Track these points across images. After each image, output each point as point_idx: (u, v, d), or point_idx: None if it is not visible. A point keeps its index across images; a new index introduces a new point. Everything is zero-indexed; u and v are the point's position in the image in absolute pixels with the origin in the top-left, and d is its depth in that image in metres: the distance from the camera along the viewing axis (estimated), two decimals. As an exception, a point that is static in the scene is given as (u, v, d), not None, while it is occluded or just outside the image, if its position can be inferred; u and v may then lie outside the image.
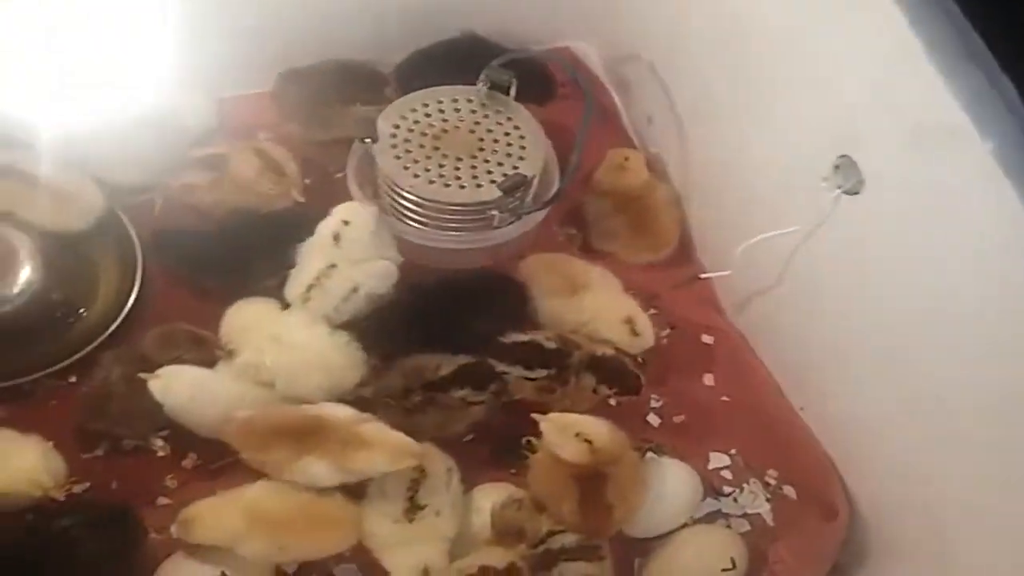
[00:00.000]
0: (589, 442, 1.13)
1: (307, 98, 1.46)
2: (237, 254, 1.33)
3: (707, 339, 1.41)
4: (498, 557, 1.09)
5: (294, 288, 1.27)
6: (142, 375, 1.17)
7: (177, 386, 1.18)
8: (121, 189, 1.41)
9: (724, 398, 1.35)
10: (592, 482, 1.13)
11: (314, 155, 1.47)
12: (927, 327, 1.07)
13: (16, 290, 1.31)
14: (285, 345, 1.23)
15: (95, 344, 1.29)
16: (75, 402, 1.26)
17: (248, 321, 1.27)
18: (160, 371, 1.18)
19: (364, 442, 1.11)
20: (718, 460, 1.30)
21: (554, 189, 1.36)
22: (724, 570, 1.19)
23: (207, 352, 1.25)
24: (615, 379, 1.25)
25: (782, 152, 1.24)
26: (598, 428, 1.15)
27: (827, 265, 1.21)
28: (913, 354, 1.11)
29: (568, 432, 1.14)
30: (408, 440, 1.12)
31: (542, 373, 1.24)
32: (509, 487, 1.21)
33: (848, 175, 1.11)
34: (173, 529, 1.10)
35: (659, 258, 1.47)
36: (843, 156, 1.10)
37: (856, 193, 1.10)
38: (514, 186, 1.29)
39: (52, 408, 1.28)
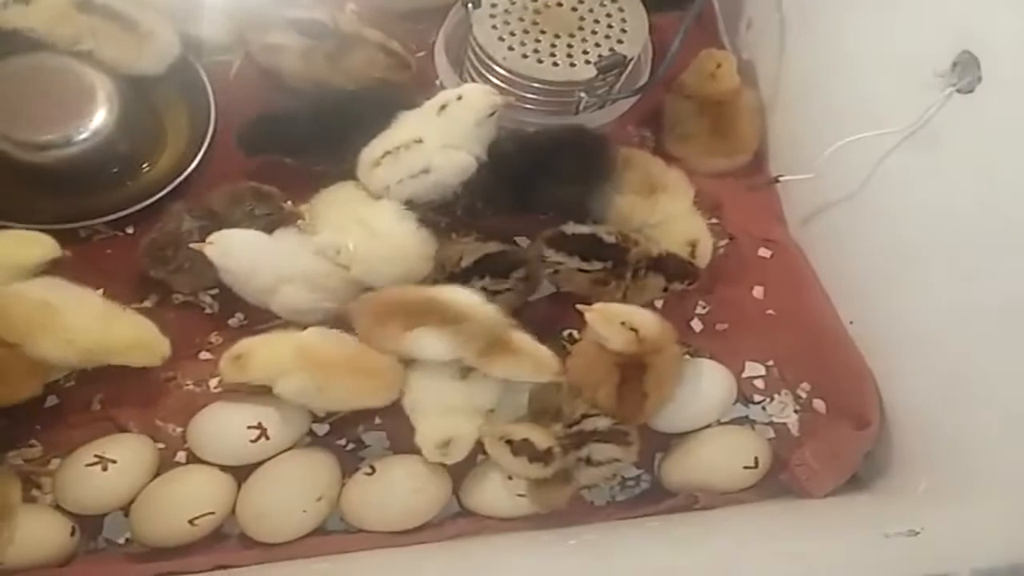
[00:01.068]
0: (635, 331, 1.16)
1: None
2: (323, 131, 1.31)
3: (764, 252, 1.42)
4: (541, 438, 1.14)
5: (372, 151, 1.29)
6: (194, 246, 1.19)
7: (232, 251, 1.21)
8: (202, 44, 1.42)
9: (769, 311, 1.37)
10: (632, 371, 1.17)
11: (396, 30, 1.44)
12: (1017, 247, 1.05)
13: (86, 133, 1.31)
14: (370, 232, 1.24)
15: (156, 197, 1.32)
16: (131, 251, 1.28)
17: (337, 201, 1.28)
18: (215, 236, 1.21)
19: (511, 349, 1.15)
20: (753, 369, 1.33)
21: (642, 81, 1.35)
22: (746, 467, 1.23)
23: (274, 207, 1.27)
24: (689, 275, 1.27)
25: (896, 47, 1.20)
26: (645, 318, 1.18)
27: (919, 172, 1.18)
28: (991, 272, 1.08)
29: (614, 321, 1.16)
30: (552, 356, 1.16)
31: (598, 266, 1.25)
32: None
33: (965, 72, 1.06)
34: (221, 365, 1.16)
35: (732, 166, 1.47)
36: (964, 52, 1.06)
37: (971, 91, 1.06)
38: (611, 66, 1.30)
39: (107, 256, 1.33)
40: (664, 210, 1.31)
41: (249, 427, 1.17)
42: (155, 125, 1.41)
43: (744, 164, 1.47)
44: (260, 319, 1.27)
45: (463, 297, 1.17)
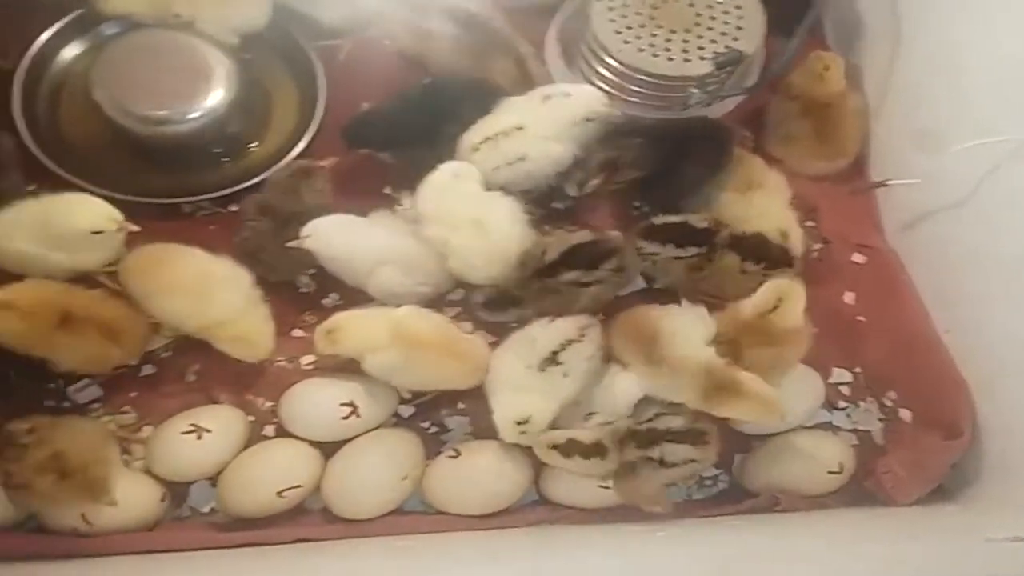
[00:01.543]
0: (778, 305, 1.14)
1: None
2: (425, 128, 1.32)
3: (858, 258, 1.39)
4: (584, 434, 1.14)
5: (472, 136, 1.30)
6: (291, 244, 1.21)
7: (330, 238, 1.23)
8: (314, 27, 1.44)
9: (860, 317, 1.35)
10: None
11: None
12: None
13: (201, 112, 1.34)
14: (481, 232, 1.23)
15: (260, 178, 1.33)
16: (232, 228, 1.30)
17: (450, 192, 1.26)
18: (309, 228, 1.22)
19: (739, 391, 1.12)
20: (839, 376, 1.31)
21: (751, 80, 1.36)
22: (831, 472, 1.21)
23: (323, 183, 1.27)
24: (761, 254, 1.24)
25: (1011, 55, 1.17)
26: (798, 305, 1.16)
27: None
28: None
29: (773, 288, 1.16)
30: (776, 397, 1.13)
31: (692, 251, 1.24)
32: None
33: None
34: (315, 337, 1.17)
35: (832, 169, 1.45)
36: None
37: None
38: (729, 62, 1.31)
39: (209, 232, 1.34)
40: (758, 206, 1.30)
41: (342, 404, 1.18)
42: (265, 106, 1.43)
43: (844, 168, 1.44)
44: (355, 299, 1.27)
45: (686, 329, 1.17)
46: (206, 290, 1.17)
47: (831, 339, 1.31)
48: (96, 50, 1.42)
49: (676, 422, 1.14)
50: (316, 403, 1.20)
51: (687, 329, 1.17)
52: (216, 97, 1.34)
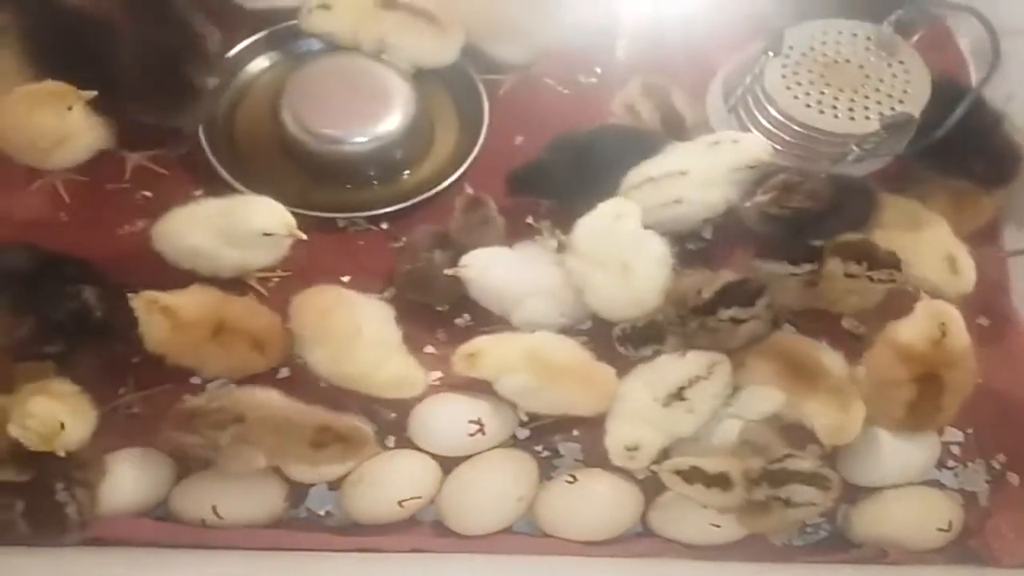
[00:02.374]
0: (943, 333, 1.16)
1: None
2: (584, 178, 1.34)
3: (983, 321, 1.37)
4: (713, 464, 1.13)
5: (635, 176, 1.31)
6: (448, 272, 1.24)
7: (486, 270, 1.25)
8: (483, 61, 1.50)
9: (977, 379, 1.29)
10: (928, 385, 1.17)
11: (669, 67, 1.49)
12: None
13: (376, 135, 1.40)
14: (627, 274, 1.24)
15: (413, 201, 1.38)
16: (382, 245, 1.37)
17: (602, 233, 1.26)
18: (468, 259, 1.25)
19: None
20: (952, 435, 1.30)
21: (904, 144, 1.35)
22: (940, 529, 1.19)
23: (488, 212, 1.30)
24: (863, 255, 1.21)
25: None
26: (959, 326, 1.18)
27: None
28: None
29: (935, 316, 1.17)
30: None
31: (807, 268, 1.24)
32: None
33: None
34: (454, 359, 1.19)
35: (972, 228, 1.40)
36: None
37: None
38: (897, 123, 1.31)
39: (359, 247, 1.40)
40: (913, 242, 1.27)
41: (470, 421, 1.20)
42: (429, 133, 1.48)
43: (976, 231, 1.40)
44: (485, 320, 1.30)
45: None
46: (358, 346, 1.18)
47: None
48: (280, 66, 1.51)
49: (805, 464, 1.12)
50: (446, 418, 1.22)
51: (833, 359, 1.20)
52: (391, 124, 1.40)
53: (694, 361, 1.20)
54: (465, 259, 1.25)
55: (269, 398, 1.17)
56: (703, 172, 1.30)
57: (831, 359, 1.21)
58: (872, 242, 1.24)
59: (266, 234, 1.23)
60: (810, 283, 1.25)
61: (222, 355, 1.19)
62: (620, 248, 1.24)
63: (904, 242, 1.27)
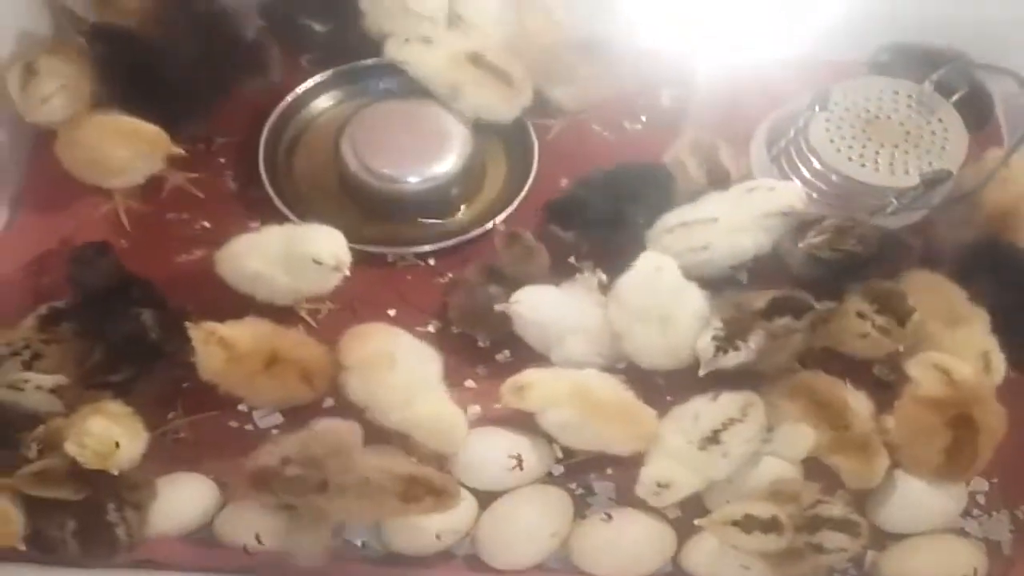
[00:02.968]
0: (947, 373, 1.19)
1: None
2: (622, 214, 1.37)
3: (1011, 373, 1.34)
4: (763, 509, 1.13)
5: (668, 220, 1.35)
6: (499, 307, 1.27)
7: (536, 307, 1.27)
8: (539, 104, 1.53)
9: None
10: (962, 430, 1.18)
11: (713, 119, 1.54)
12: None
13: (431, 176, 1.45)
14: (665, 326, 1.26)
15: (460, 239, 1.42)
16: (428, 280, 1.41)
17: (645, 286, 1.28)
18: (519, 296, 1.27)
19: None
20: (977, 484, 1.30)
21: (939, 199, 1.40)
22: None
23: (532, 250, 1.33)
24: (883, 301, 1.23)
25: None
26: (959, 363, 1.20)
27: None
28: None
29: (928, 364, 1.20)
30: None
31: (828, 305, 1.26)
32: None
33: None
34: (504, 391, 1.21)
35: None
36: None
37: None
38: (936, 179, 1.34)
39: (406, 281, 1.43)
40: (953, 340, 1.26)
41: (510, 456, 1.22)
42: (480, 175, 1.52)
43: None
44: (526, 357, 1.30)
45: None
46: (409, 394, 1.20)
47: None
48: (342, 104, 1.56)
49: (836, 510, 1.13)
50: (487, 452, 1.23)
51: (860, 402, 1.22)
52: (446, 165, 1.44)
53: (728, 403, 1.21)
54: (516, 295, 1.27)
55: (348, 458, 1.14)
56: (733, 218, 1.33)
57: (858, 402, 1.22)
58: (901, 292, 1.25)
59: (316, 262, 1.25)
60: (824, 320, 1.26)
61: (273, 386, 1.22)
62: (660, 301, 1.26)
63: (944, 339, 1.27)
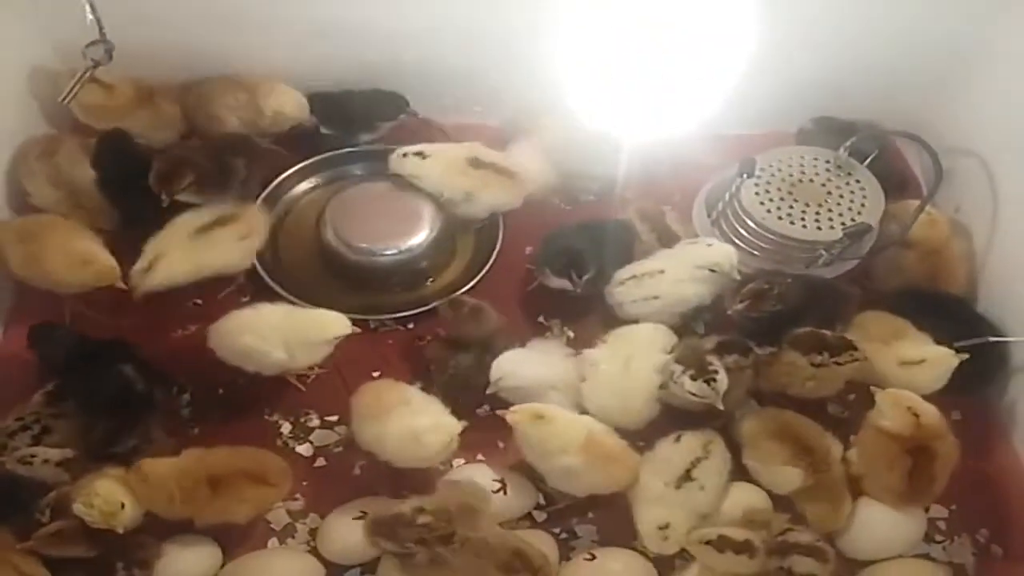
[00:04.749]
0: (916, 416, 1.22)
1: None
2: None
3: (956, 415, 1.39)
4: (737, 533, 1.17)
5: (623, 273, 1.43)
6: (491, 390, 1.31)
7: (515, 373, 1.31)
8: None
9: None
10: (921, 457, 1.23)
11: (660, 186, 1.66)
12: None
13: (404, 248, 1.51)
14: (626, 370, 1.32)
15: (435, 304, 1.44)
16: (408, 342, 1.46)
17: (630, 338, 1.36)
18: (496, 369, 1.30)
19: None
20: (937, 511, 1.33)
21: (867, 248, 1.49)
22: None
23: (491, 320, 1.38)
24: (822, 346, 1.29)
25: None
26: (927, 406, 1.24)
27: None
28: None
29: (901, 404, 1.23)
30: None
31: (768, 350, 1.32)
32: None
33: None
34: (520, 416, 1.21)
35: None
36: None
37: None
38: (858, 232, 1.44)
39: (388, 345, 1.47)
40: (891, 364, 1.33)
41: (494, 479, 1.25)
42: (451, 245, 1.57)
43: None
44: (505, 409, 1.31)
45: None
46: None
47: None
48: (322, 188, 1.62)
49: (804, 537, 1.17)
50: (473, 477, 1.26)
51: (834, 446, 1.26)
52: (419, 239, 1.50)
53: (690, 443, 1.25)
54: (495, 370, 1.29)
55: (476, 516, 1.16)
56: (679, 270, 1.40)
57: (834, 446, 1.27)
58: (819, 332, 1.30)
59: (325, 343, 1.31)
60: (767, 363, 1.31)
61: (229, 504, 1.20)
62: (626, 356, 1.33)
63: (886, 356, 1.33)
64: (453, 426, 1.23)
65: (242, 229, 1.40)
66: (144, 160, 1.44)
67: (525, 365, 1.32)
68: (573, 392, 1.32)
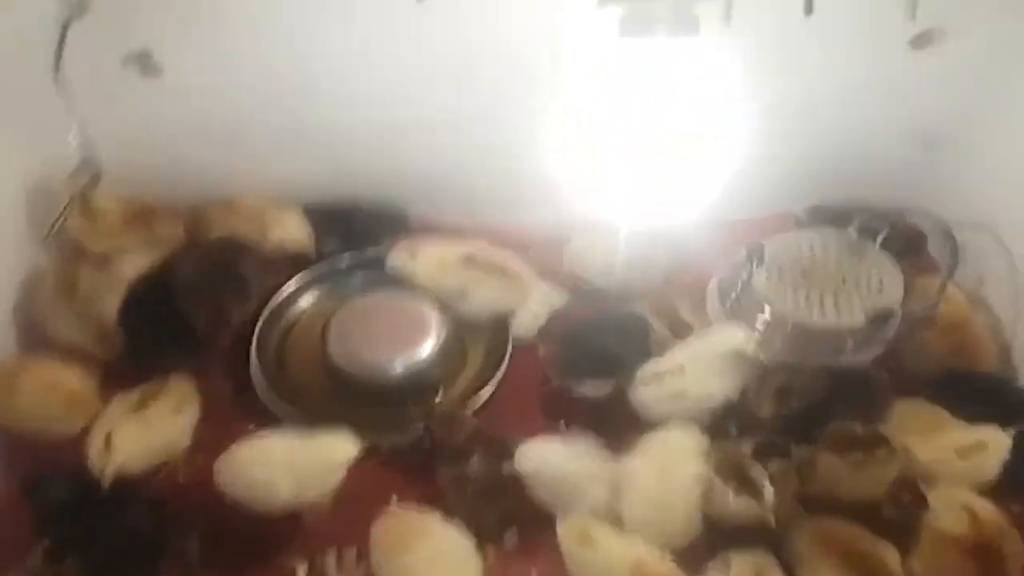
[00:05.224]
0: (973, 513, 1.16)
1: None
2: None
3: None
4: None
5: (646, 371, 1.37)
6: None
7: (541, 463, 1.26)
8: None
9: None
10: (988, 558, 1.16)
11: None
12: None
13: (411, 362, 1.46)
14: (663, 482, 1.24)
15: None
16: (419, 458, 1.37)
17: (663, 448, 1.29)
18: (523, 453, 1.26)
19: None
20: None
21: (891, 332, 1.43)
22: None
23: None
24: (855, 443, 1.23)
25: None
26: (984, 503, 1.19)
27: None
28: None
29: (953, 503, 1.18)
30: None
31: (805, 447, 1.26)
32: None
33: None
34: (571, 539, 1.18)
35: None
36: None
37: None
38: (880, 316, 1.38)
39: (401, 464, 1.39)
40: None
41: None
42: (461, 355, 1.51)
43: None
44: (535, 534, 1.26)
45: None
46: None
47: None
48: (326, 299, 1.58)
49: None
50: None
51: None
52: (425, 351, 1.44)
53: (742, 569, 1.17)
54: (520, 453, 1.24)
55: None
56: (697, 364, 1.34)
57: (889, 554, 1.18)
58: (850, 427, 1.24)
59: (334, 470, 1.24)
60: (810, 463, 1.24)
61: None
62: (665, 469, 1.24)
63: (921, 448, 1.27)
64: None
65: (173, 402, 1.36)
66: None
67: (553, 454, 1.26)
68: (611, 488, 1.25)
